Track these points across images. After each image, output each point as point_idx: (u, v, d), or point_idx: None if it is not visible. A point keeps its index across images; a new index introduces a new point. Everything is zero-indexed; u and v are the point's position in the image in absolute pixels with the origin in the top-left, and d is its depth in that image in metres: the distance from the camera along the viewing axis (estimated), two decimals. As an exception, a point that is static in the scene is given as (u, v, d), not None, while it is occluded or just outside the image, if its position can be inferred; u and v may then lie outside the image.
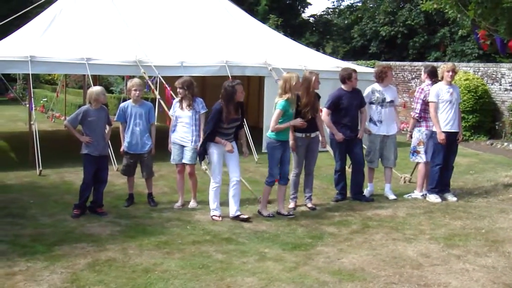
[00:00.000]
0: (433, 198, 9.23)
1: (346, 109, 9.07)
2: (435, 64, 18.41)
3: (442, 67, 9.29)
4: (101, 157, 8.28)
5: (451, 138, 9.16)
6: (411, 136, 9.59)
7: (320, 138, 8.79)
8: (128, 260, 6.34)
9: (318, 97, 8.68)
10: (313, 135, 8.59)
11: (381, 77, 9.45)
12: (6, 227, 7.49)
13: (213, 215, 8.03)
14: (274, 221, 7.99)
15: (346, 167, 9.44)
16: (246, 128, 9.46)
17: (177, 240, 7.05)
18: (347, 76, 9.12)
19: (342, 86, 9.20)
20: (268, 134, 8.25)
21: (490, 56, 23.76)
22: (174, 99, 9.38)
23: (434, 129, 9.16)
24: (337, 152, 9.27)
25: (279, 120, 8.05)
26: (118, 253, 6.56)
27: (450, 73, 9.14)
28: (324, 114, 9.07)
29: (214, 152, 7.93)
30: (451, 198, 9.31)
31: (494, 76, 17.91)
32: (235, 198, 7.99)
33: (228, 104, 7.83)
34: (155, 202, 8.81)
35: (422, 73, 9.72)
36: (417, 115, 9.39)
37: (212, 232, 7.42)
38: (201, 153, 8.10)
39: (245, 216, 7.90)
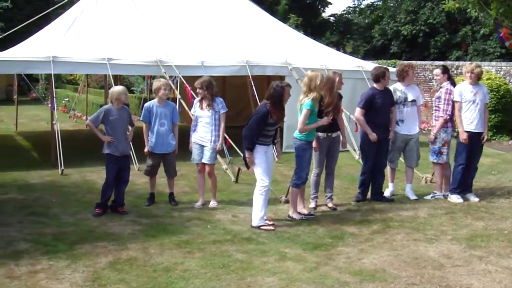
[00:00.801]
0: (455, 198, 9.15)
1: (380, 109, 8.98)
2: (456, 63, 18.23)
3: (466, 67, 9.22)
4: (123, 157, 8.33)
5: (475, 139, 9.07)
6: (435, 137, 9.39)
7: (341, 138, 8.75)
8: (149, 259, 6.38)
9: (340, 97, 8.65)
10: (334, 135, 8.54)
11: (402, 76, 9.38)
12: (29, 225, 7.58)
13: (262, 226, 7.58)
14: (294, 221, 7.98)
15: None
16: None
17: (198, 240, 7.07)
18: (381, 75, 9.03)
19: (375, 85, 9.11)
20: (296, 135, 8.09)
21: (513, 55, 23.53)
22: (194, 98, 9.40)
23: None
24: (367, 153, 9.15)
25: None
26: (139, 252, 6.60)
27: (469, 74, 9.04)
28: (358, 113, 8.99)
29: (259, 152, 7.63)
30: (473, 198, 9.23)
31: (517, 75, 17.73)
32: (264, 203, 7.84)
33: (277, 105, 7.65)
34: (176, 202, 8.84)
35: (440, 74, 9.47)
36: (448, 116, 9.27)
37: (233, 232, 7.43)
38: (245, 160, 7.78)
39: (270, 222, 7.74)
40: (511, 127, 17.29)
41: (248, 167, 7.90)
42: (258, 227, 7.58)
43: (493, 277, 6.01)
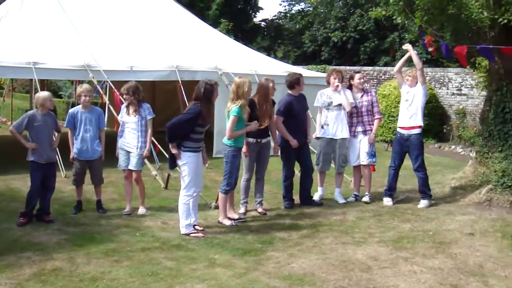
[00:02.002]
0: (385, 201, 9.37)
1: (297, 115, 9.07)
2: (384, 69, 18.65)
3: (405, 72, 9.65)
4: (48, 164, 8.10)
5: (406, 137, 9.36)
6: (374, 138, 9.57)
7: (273, 144, 8.79)
8: (75, 269, 6.23)
9: (273, 103, 8.70)
10: (264, 140, 8.57)
11: (327, 81, 9.61)
12: None
13: (191, 233, 7.50)
14: (224, 227, 7.96)
15: (296, 172, 9.43)
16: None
17: (126, 248, 6.96)
18: (295, 81, 9.12)
19: (290, 92, 9.18)
20: (225, 142, 8.05)
21: (438, 61, 24.17)
22: (123, 104, 9.26)
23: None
24: (288, 159, 9.19)
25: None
26: (65, 262, 6.44)
27: (406, 77, 9.42)
28: (278, 121, 8.98)
29: (193, 162, 7.49)
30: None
31: (441, 80, 18.30)
32: (194, 210, 7.65)
33: (207, 105, 7.52)
34: (103, 209, 8.67)
35: (363, 78, 9.82)
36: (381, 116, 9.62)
37: (162, 239, 7.34)
38: (173, 160, 7.59)
39: (200, 228, 7.67)
40: (436, 130, 17.83)
41: (172, 167, 7.77)
42: (187, 234, 7.51)
43: (418, 277, 6.16)
